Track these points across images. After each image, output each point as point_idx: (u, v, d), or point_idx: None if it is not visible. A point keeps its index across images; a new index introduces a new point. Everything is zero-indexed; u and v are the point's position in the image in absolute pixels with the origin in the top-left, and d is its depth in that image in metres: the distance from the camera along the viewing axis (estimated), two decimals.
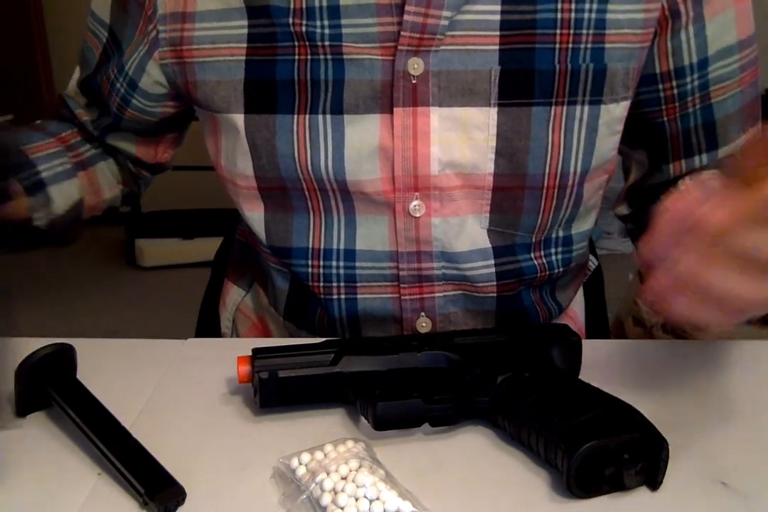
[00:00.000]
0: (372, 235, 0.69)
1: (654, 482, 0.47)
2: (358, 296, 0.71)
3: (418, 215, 0.67)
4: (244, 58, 0.66)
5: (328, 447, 0.49)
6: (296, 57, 0.64)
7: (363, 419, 0.54)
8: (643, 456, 0.46)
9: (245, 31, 0.65)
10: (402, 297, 0.71)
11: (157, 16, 0.67)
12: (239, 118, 0.67)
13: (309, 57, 0.64)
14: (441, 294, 0.71)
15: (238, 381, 0.55)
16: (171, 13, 0.67)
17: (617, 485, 0.47)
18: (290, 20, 0.64)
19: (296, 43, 0.64)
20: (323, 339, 0.59)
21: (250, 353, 0.55)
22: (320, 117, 0.65)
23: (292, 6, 0.64)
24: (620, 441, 0.46)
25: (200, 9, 0.66)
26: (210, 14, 0.66)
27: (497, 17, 0.63)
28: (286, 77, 0.65)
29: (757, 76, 0.74)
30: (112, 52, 0.74)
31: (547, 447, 0.49)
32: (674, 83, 0.71)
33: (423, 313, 0.72)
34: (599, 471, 0.46)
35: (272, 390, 0.54)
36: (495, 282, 0.71)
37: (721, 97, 0.73)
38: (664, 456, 0.47)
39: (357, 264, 0.70)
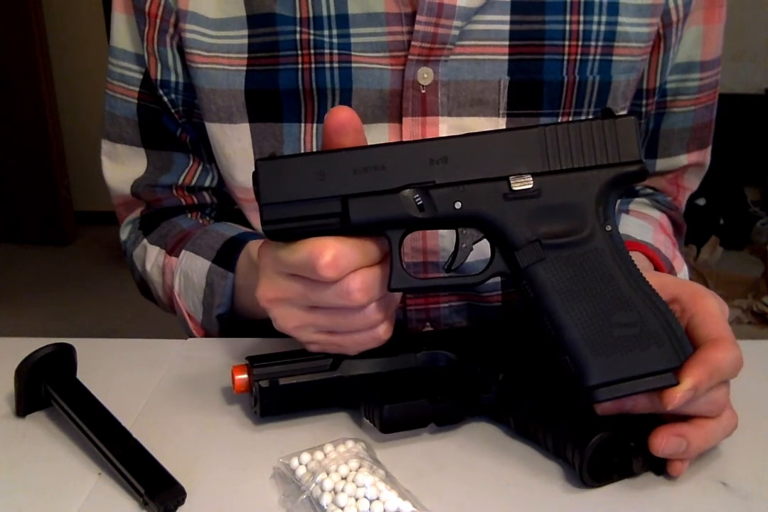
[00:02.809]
0: None
1: (659, 467, 0.48)
2: None
3: None
4: (244, 68, 0.65)
5: (328, 447, 0.49)
6: (299, 66, 0.64)
7: (364, 419, 0.54)
8: (647, 443, 0.47)
9: (245, 40, 0.64)
10: (407, 307, 0.71)
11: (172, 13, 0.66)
12: (245, 128, 0.66)
13: (313, 66, 0.63)
14: (446, 305, 0.71)
15: (235, 392, 0.54)
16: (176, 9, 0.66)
17: (626, 472, 0.48)
18: (296, 28, 0.63)
19: (300, 52, 0.63)
20: None
21: (247, 356, 0.55)
22: None
23: (298, 15, 0.63)
24: (627, 429, 0.47)
25: (192, 9, 0.65)
26: (204, 20, 0.65)
27: (507, 27, 0.62)
28: (290, 86, 0.64)
29: (713, 101, 0.76)
30: (150, 79, 0.71)
31: (556, 440, 0.49)
32: (655, 100, 0.72)
33: (428, 323, 0.72)
34: (608, 461, 0.47)
35: (273, 399, 0.53)
36: (500, 291, 0.71)
37: (674, 109, 0.74)
38: None
39: None
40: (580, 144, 0.48)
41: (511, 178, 0.47)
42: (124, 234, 0.81)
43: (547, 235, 0.47)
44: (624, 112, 0.70)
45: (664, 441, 0.45)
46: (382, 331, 0.52)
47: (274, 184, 0.47)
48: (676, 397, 0.44)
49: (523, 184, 0.47)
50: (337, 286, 0.48)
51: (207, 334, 0.71)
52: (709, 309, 0.49)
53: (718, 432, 0.48)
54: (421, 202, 0.47)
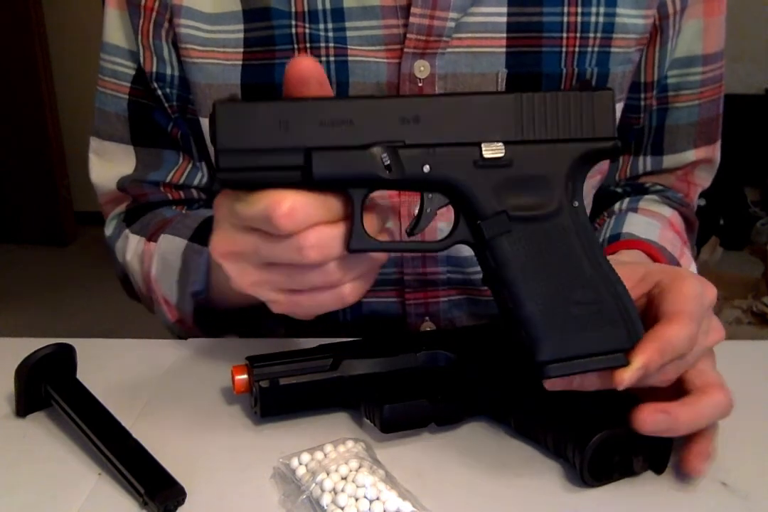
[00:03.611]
0: None
1: (659, 466, 0.48)
2: (363, 300, 0.71)
3: None
4: (240, 62, 0.65)
5: (328, 447, 0.49)
6: None
7: (364, 419, 0.54)
8: (648, 441, 0.47)
9: (241, 35, 0.64)
10: (406, 302, 0.71)
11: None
12: None
13: None
14: (445, 299, 0.71)
15: (235, 392, 0.54)
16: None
17: (626, 471, 0.48)
18: (292, 22, 0.63)
19: (296, 46, 0.63)
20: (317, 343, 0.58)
21: (246, 356, 0.55)
22: None
23: (293, 9, 0.63)
24: (628, 429, 0.47)
25: (186, 4, 0.65)
26: (199, 15, 0.65)
27: (504, 19, 0.62)
28: None
29: (719, 95, 0.75)
30: (143, 75, 0.70)
31: (556, 439, 0.49)
32: (654, 93, 0.72)
33: (427, 317, 0.71)
34: (609, 460, 0.47)
35: (274, 399, 0.53)
36: None
37: (677, 104, 0.74)
38: (667, 442, 0.47)
39: None
40: (555, 114, 0.46)
41: (483, 144, 0.46)
42: (109, 229, 0.79)
43: (515, 207, 0.46)
44: (621, 104, 0.70)
45: (649, 418, 0.45)
46: (347, 292, 0.48)
47: (232, 129, 0.44)
48: (625, 378, 0.45)
49: (494, 152, 0.45)
50: (290, 241, 0.45)
51: (181, 318, 0.70)
52: (683, 289, 0.48)
53: (709, 409, 0.47)
54: (388, 162, 0.45)
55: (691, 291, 0.48)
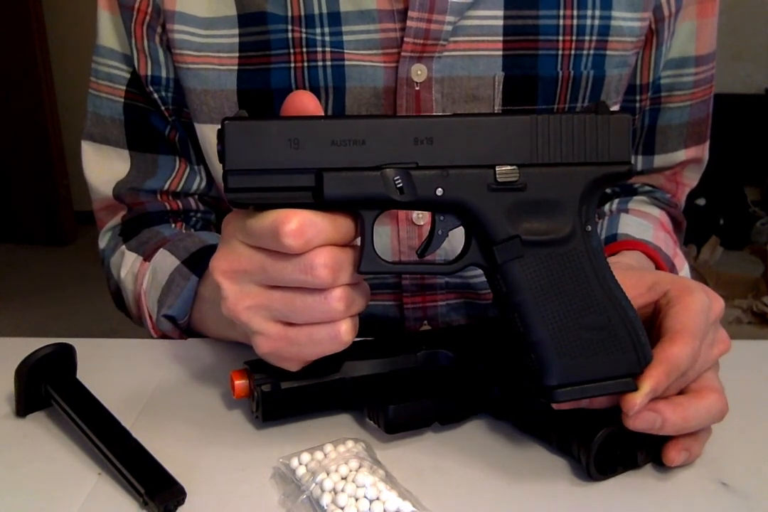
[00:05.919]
0: (375, 243, 0.69)
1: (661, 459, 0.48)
2: None
3: (421, 223, 0.67)
4: (236, 67, 0.64)
5: (328, 447, 0.49)
6: (292, 64, 0.63)
7: (366, 420, 0.54)
8: (649, 436, 0.47)
9: (236, 39, 0.64)
10: (404, 306, 0.71)
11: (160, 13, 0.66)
12: None
13: (305, 64, 0.63)
14: (444, 303, 0.71)
15: (235, 397, 0.53)
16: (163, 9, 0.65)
17: (630, 465, 0.48)
18: (288, 27, 0.63)
19: (292, 51, 0.63)
20: None
21: (245, 360, 0.54)
22: None
23: (289, 13, 0.63)
24: None
25: (179, 10, 0.64)
26: (193, 20, 0.65)
27: (500, 22, 0.62)
28: (282, 85, 0.64)
29: (710, 95, 0.75)
30: (138, 78, 0.70)
31: (560, 436, 0.49)
32: (649, 95, 0.72)
33: (426, 321, 0.71)
34: (613, 454, 0.47)
35: (276, 403, 0.52)
36: None
37: (669, 104, 0.74)
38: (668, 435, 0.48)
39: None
40: (571, 137, 0.46)
41: (497, 167, 0.45)
42: (102, 242, 0.78)
43: (528, 231, 0.46)
44: (617, 107, 0.70)
45: (638, 415, 0.45)
46: (344, 329, 0.47)
47: (242, 148, 0.43)
48: (636, 403, 0.45)
49: (508, 175, 0.45)
50: (300, 260, 0.44)
51: (165, 334, 0.69)
52: (690, 304, 0.48)
53: (700, 411, 0.47)
54: (401, 184, 0.45)
55: (698, 307, 0.48)
